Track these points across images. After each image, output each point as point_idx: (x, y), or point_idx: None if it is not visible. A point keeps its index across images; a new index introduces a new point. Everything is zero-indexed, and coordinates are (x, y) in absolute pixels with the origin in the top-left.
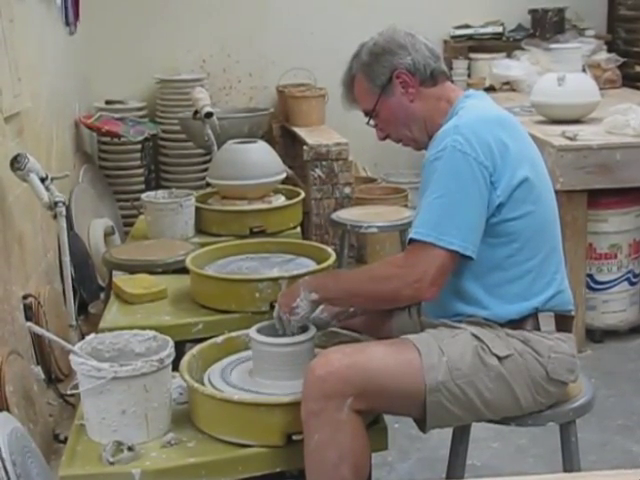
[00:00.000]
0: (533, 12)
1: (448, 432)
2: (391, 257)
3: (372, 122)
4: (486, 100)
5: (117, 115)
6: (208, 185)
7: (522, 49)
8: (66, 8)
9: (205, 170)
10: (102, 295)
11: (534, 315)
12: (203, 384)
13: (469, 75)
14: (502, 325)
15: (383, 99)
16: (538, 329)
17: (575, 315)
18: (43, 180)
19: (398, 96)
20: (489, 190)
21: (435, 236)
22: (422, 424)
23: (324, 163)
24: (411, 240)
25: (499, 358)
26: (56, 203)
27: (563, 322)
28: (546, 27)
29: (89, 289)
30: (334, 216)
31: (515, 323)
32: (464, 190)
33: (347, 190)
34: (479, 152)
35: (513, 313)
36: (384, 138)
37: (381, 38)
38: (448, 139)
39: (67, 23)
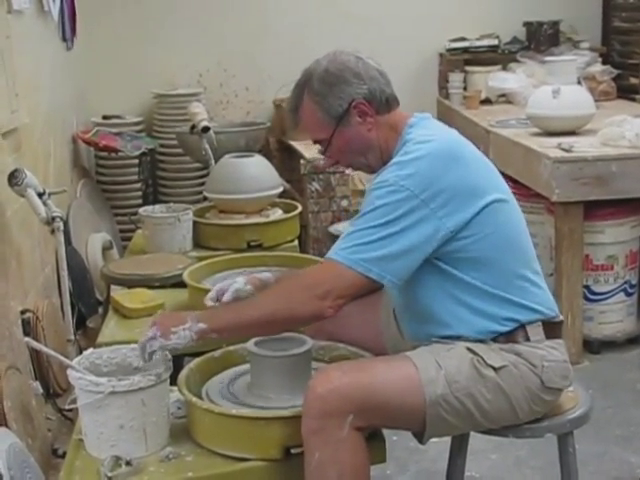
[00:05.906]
0: (528, 25)
1: (447, 444)
2: (298, 275)
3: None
4: (431, 128)
5: (114, 130)
6: (205, 199)
7: (517, 62)
8: (63, 24)
9: (202, 184)
10: (100, 310)
11: (522, 327)
12: (201, 398)
13: (465, 88)
14: (492, 340)
15: (339, 130)
16: (528, 340)
17: (564, 321)
18: (41, 195)
19: (355, 126)
20: (430, 225)
21: (354, 260)
22: (420, 436)
23: (321, 176)
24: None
25: (495, 369)
26: (54, 218)
27: (551, 329)
28: (541, 40)
29: (87, 304)
30: (331, 229)
31: (505, 336)
32: (395, 223)
33: (344, 203)
34: (420, 188)
35: (500, 329)
36: (333, 165)
37: (332, 65)
38: (392, 174)
39: (64, 38)
